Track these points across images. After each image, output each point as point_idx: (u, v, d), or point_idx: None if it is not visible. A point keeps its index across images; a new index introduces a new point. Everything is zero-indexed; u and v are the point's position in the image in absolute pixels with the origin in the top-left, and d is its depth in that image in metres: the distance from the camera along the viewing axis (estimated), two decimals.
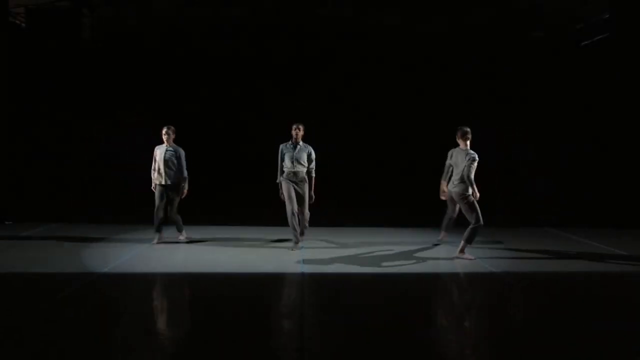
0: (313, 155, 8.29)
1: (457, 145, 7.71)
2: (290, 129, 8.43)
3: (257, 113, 12.02)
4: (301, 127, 8.31)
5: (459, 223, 8.10)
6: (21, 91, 11.36)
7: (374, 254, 7.82)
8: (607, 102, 11.12)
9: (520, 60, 11.86)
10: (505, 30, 11.57)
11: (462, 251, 7.54)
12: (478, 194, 7.39)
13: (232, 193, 11.75)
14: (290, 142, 8.30)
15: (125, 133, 11.81)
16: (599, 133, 11.28)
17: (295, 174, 8.11)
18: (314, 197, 8.30)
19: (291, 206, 7.99)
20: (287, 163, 8.15)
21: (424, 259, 7.57)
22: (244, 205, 11.29)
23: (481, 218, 7.33)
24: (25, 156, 11.44)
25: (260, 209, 10.14)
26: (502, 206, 11.04)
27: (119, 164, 11.75)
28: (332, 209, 10.74)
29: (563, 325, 4.92)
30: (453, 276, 6.96)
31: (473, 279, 6.73)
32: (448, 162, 7.93)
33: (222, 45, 11.81)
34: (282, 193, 8.14)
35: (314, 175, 8.28)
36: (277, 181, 8.28)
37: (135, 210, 10.16)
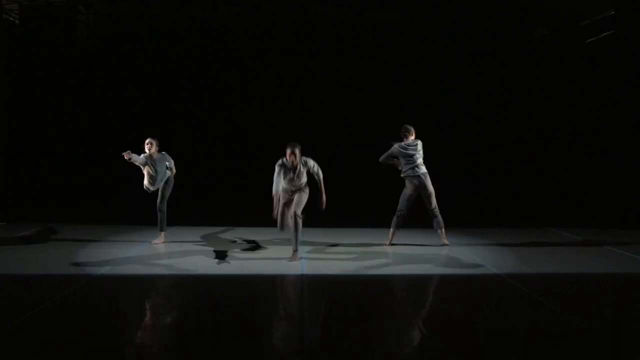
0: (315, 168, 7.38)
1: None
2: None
3: (255, 112, 11.94)
4: (297, 150, 7.24)
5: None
6: (16, 90, 11.24)
7: (375, 255, 7.74)
8: (612, 100, 11.02)
9: (523, 58, 11.82)
10: (508, 28, 11.51)
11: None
12: None
13: (231, 193, 11.68)
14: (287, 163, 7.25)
15: (122, 131, 11.71)
16: (601, 132, 11.22)
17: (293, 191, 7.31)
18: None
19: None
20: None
21: (425, 260, 7.50)
22: (243, 206, 11.21)
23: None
24: (19, 156, 11.33)
25: (259, 210, 10.05)
26: (503, 206, 11.00)
27: (116, 163, 11.65)
28: (331, 209, 10.66)
29: (566, 327, 4.86)
30: (456, 277, 6.88)
31: (476, 280, 6.65)
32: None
33: (219, 43, 11.74)
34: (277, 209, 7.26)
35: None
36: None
37: (132, 211, 10.06)
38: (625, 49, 10.49)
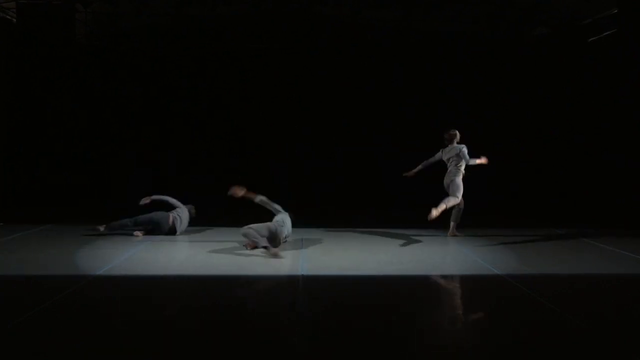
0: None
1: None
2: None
3: (254, 111, 11.91)
4: None
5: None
6: (14, 89, 11.21)
7: (375, 255, 7.73)
8: (613, 100, 11.00)
9: (522, 57, 11.81)
10: (507, 27, 11.50)
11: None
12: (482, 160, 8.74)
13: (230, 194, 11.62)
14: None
15: (121, 131, 11.69)
16: (602, 132, 11.21)
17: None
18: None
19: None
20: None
21: (425, 260, 7.49)
22: (241, 206, 11.18)
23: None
24: (17, 155, 11.30)
25: (258, 210, 10.03)
26: (503, 206, 10.99)
27: (114, 163, 11.62)
28: (331, 210, 10.67)
29: (566, 327, 4.86)
30: (456, 277, 6.89)
31: (477, 281, 6.65)
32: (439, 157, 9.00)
33: (218, 43, 11.73)
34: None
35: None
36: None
37: (130, 211, 10.03)
38: (627, 48, 10.48)
